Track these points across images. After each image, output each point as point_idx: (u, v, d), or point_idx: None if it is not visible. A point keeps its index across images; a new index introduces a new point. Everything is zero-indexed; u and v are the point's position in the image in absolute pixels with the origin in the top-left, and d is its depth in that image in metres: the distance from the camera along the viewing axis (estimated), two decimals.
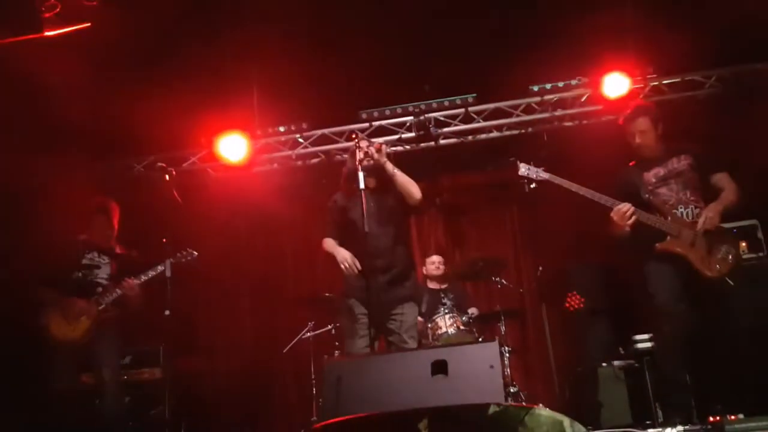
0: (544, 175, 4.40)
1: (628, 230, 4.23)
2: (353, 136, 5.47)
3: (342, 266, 4.21)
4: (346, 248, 4.29)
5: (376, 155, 4.24)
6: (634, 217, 4.16)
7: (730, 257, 4.13)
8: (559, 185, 4.34)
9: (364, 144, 4.30)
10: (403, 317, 4.24)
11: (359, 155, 4.18)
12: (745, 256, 5.19)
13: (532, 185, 4.46)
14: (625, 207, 4.17)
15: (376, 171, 4.28)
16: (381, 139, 5.94)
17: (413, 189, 4.27)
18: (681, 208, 4.23)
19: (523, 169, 4.44)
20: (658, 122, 4.45)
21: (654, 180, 4.33)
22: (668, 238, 4.16)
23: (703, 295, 4.09)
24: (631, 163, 4.51)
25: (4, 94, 5.24)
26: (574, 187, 4.30)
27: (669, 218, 4.18)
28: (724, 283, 4.08)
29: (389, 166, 4.26)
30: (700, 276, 4.08)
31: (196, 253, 5.05)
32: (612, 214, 4.20)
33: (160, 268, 4.82)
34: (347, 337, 4.36)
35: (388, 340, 4.30)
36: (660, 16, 5.84)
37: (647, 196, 4.28)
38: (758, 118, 6.25)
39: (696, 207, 4.22)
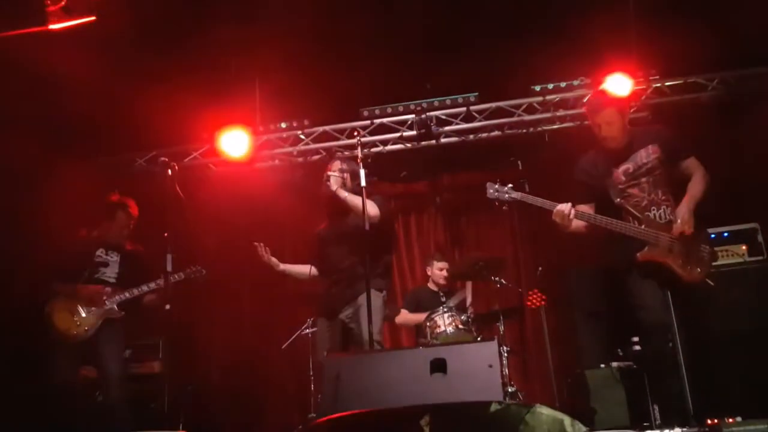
0: (515, 195, 4.19)
1: (575, 226, 4.10)
2: (354, 132, 5.46)
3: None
4: (318, 268, 4.77)
5: (330, 186, 4.46)
6: (573, 212, 4.02)
7: (706, 256, 4.04)
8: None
9: (335, 167, 4.61)
10: (355, 310, 4.39)
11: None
12: (745, 260, 5.19)
13: (504, 207, 4.31)
14: (564, 207, 4.04)
15: (334, 198, 4.51)
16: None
17: (368, 210, 4.25)
18: (654, 209, 4.08)
19: (491, 191, 4.20)
20: (625, 112, 4.27)
21: (624, 178, 4.16)
22: (647, 247, 4.02)
23: (689, 300, 4.01)
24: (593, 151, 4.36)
25: (8, 88, 5.24)
26: (538, 201, 4.13)
27: (643, 224, 4.04)
28: (705, 285, 4.00)
29: (341, 193, 4.45)
30: (682, 281, 3.99)
31: (204, 271, 5.16)
32: (554, 217, 4.06)
33: (160, 282, 4.78)
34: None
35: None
36: (663, 18, 5.83)
37: (619, 200, 4.12)
38: (760, 121, 6.25)
39: (668, 206, 4.09)
